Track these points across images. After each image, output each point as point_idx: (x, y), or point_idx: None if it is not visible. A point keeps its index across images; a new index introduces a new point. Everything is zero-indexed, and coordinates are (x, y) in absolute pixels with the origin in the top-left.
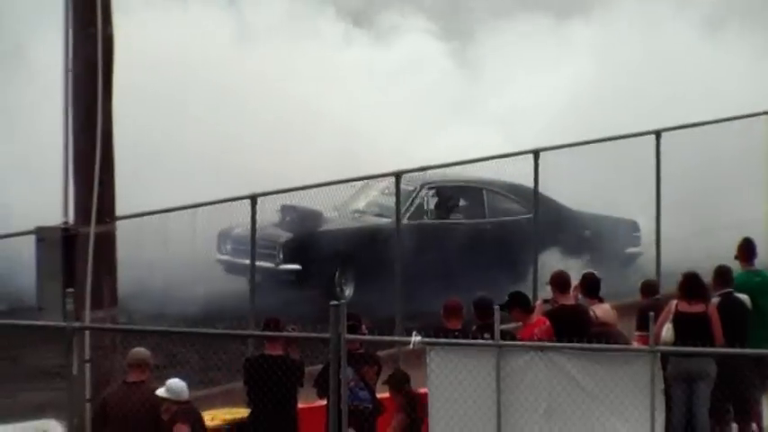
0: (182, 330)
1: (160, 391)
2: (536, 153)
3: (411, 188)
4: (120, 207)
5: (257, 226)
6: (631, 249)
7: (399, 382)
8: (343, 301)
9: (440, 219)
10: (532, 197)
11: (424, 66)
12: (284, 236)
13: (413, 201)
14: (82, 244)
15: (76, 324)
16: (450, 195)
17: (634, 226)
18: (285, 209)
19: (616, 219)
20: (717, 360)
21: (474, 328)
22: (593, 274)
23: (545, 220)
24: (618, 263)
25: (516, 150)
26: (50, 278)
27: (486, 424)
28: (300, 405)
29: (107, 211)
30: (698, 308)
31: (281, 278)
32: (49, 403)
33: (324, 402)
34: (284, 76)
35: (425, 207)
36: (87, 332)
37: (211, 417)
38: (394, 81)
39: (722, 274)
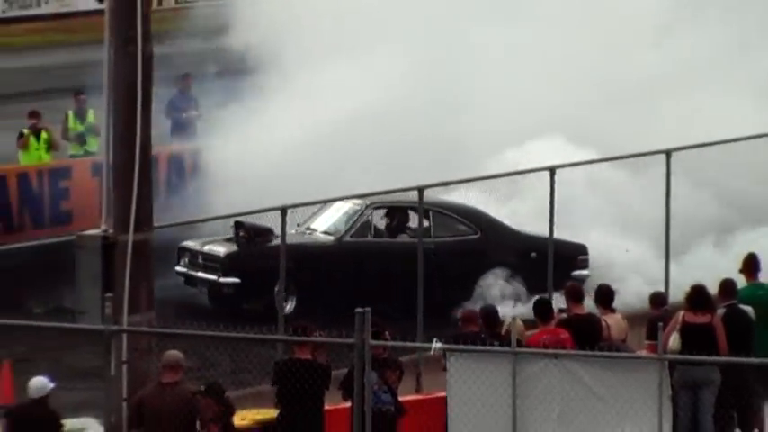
0: (214, 334)
1: None
2: (552, 170)
3: (357, 207)
4: None
5: (206, 241)
6: (578, 272)
7: (216, 393)
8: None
9: (383, 238)
10: (483, 219)
11: None
12: (225, 250)
13: (357, 220)
14: (120, 251)
15: (114, 327)
16: (396, 216)
17: (581, 249)
18: (236, 225)
19: (562, 241)
20: (721, 369)
21: (483, 336)
22: (608, 285)
23: (491, 242)
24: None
25: None
26: (90, 284)
27: (503, 427)
28: (326, 407)
29: (145, 221)
30: (704, 318)
31: (222, 291)
32: (87, 402)
33: (348, 404)
34: None
35: (370, 226)
36: (124, 335)
37: (242, 417)
38: None
39: (727, 286)
